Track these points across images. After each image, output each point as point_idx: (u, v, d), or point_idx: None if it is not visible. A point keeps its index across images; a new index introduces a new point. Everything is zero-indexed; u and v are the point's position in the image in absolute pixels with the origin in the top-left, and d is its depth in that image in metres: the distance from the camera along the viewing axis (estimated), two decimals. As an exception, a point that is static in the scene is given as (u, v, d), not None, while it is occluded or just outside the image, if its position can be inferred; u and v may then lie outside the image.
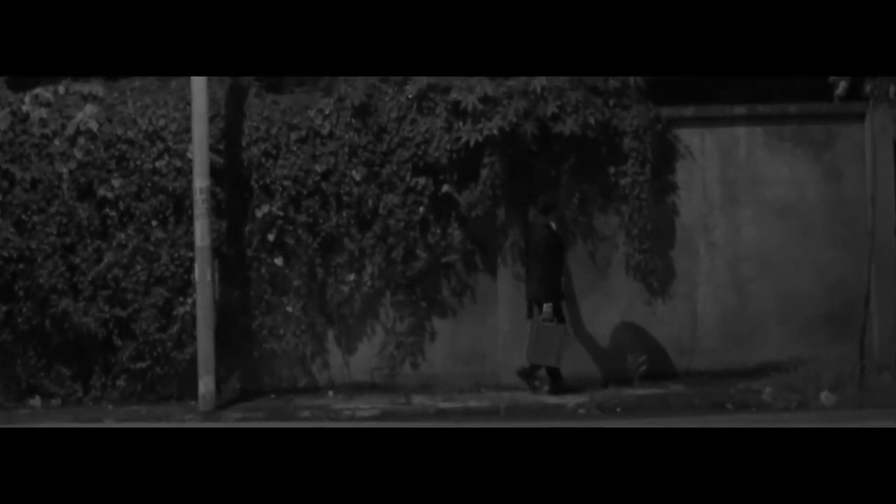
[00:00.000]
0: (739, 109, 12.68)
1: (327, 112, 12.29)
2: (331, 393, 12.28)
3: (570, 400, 11.61)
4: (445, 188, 12.25)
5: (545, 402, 11.63)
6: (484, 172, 12.21)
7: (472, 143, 12.12)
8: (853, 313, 12.31)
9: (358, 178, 12.24)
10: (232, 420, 11.26)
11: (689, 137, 12.66)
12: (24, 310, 11.96)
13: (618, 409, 11.37)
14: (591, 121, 12.23)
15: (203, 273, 11.44)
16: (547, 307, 11.59)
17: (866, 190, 12.53)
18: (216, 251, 12.04)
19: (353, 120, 12.26)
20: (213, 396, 11.43)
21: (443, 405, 11.59)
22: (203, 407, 11.42)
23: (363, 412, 11.40)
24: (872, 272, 12.38)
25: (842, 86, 11.23)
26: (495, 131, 12.06)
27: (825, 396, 11.09)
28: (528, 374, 11.97)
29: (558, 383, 11.85)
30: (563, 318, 11.81)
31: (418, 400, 11.83)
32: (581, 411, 11.36)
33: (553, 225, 11.88)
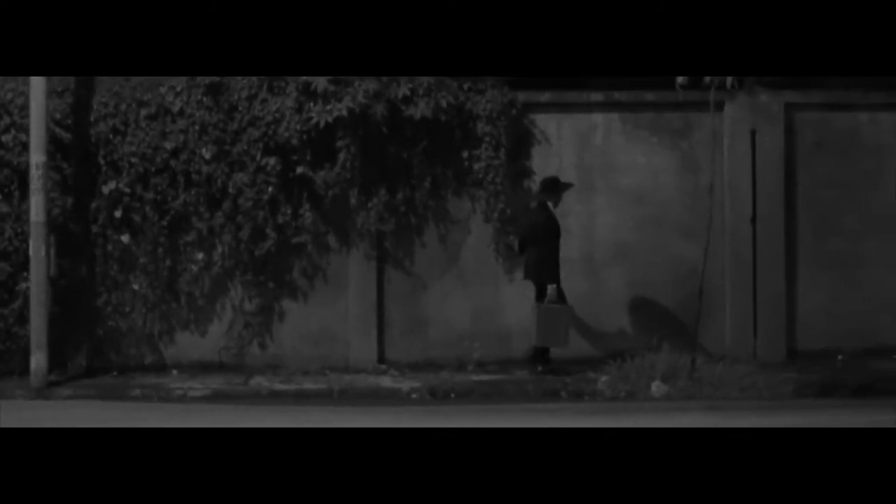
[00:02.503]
0: (596, 96, 12.61)
1: (179, 89, 12.20)
2: (175, 372, 12.22)
3: (406, 384, 11.55)
4: (300, 169, 12.16)
5: (380, 385, 11.57)
6: (341, 154, 12.13)
7: (322, 124, 12.03)
8: (704, 303, 12.30)
9: (208, 156, 12.16)
10: (61, 397, 11.19)
11: (545, 123, 12.60)
12: None
13: (451, 395, 11.30)
14: (444, 104, 12.16)
15: (37, 249, 11.36)
16: (551, 289, 11.49)
17: (724, 180, 12.51)
18: (62, 227, 11.97)
19: (204, 98, 12.17)
20: (44, 373, 11.36)
21: (278, 386, 11.54)
22: (35, 383, 11.35)
23: (195, 392, 11.35)
24: (727, 263, 12.42)
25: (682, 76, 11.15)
26: (344, 112, 11.97)
27: (656, 387, 11.06)
28: (538, 358, 11.84)
29: (549, 363, 11.78)
30: (565, 299, 11.63)
31: (256, 381, 11.76)
32: (414, 396, 11.30)
33: (551, 206, 11.74)
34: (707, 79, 11.03)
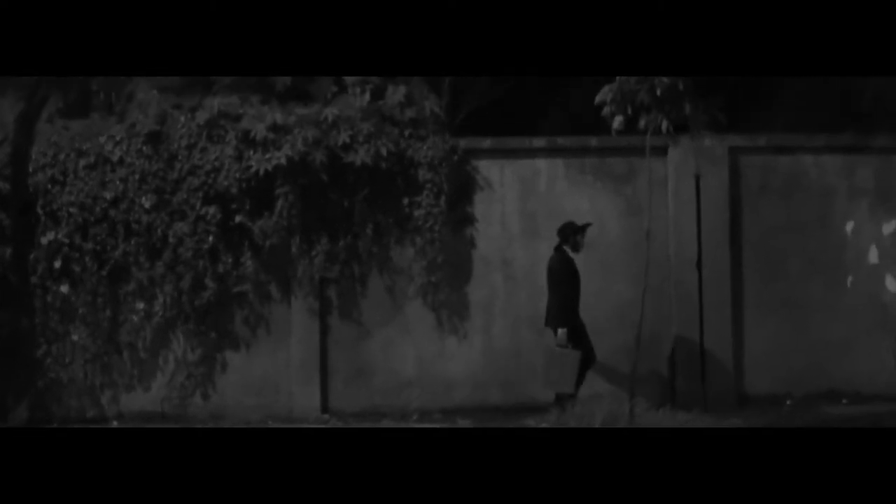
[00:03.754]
0: (539, 142, 12.57)
1: (118, 138, 12.17)
2: (115, 423, 12.09)
3: (344, 434, 11.42)
4: (239, 218, 12.11)
5: (318, 435, 11.43)
6: (279, 202, 12.07)
7: (261, 172, 11.99)
8: (651, 349, 12.24)
9: (147, 205, 12.11)
10: (-6, 450, 11.05)
11: (487, 169, 12.55)
12: None
13: (389, 444, 11.17)
14: (384, 151, 12.12)
15: (-28, 301, 11.30)
16: (561, 332, 11.31)
17: (668, 224, 12.45)
18: (1, 278, 11.90)
19: (144, 147, 12.14)
20: (-21, 425, 11.26)
21: (215, 438, 11.38)
22: (-31, 436, 11.22)
23: (130, 444, 11.19)
24: (673, 307, 12.32)
25: (618, 120, 11.09)
26: (283, 161, 11.92)
27: (594, 433, 10.91)
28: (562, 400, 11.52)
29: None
30: (581, 344, 11.46)
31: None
32: (352, 446, 11.16)
33: (568, 251, 11.64)
34: (642, 123, 10.96)
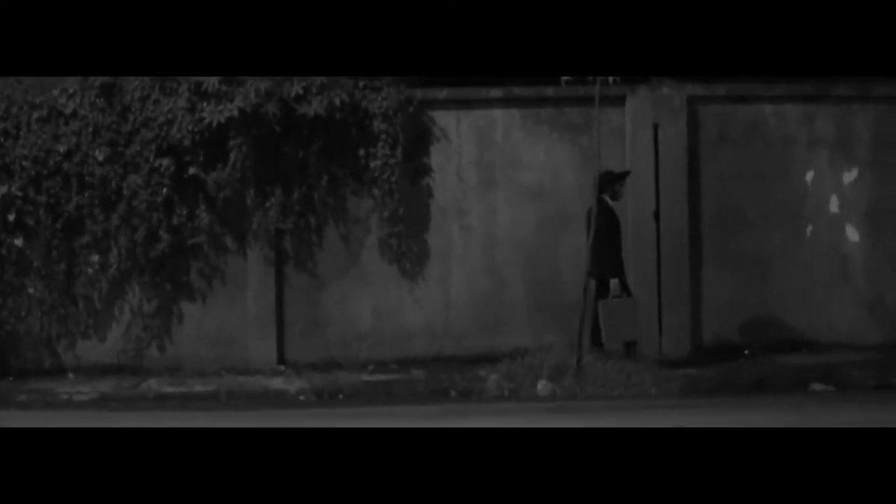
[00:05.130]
0: (495, 92, 12.47)
1: (71, 91, 12.12)
2: (71, 375, 12.15)
3: (295, 386, 11.47)
4: (192, 170, 12.08)
5: (269, 387, 11.49)
6: (233, 154, 12.03)
7: (214, 124, 11.94)
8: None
9: (101, 158, 12.09)
10: (-53, 402, 11.13)
11: (444, 120, 12.47)
12: None
13: (340, 396, 11.22)
14: (338, 102, 12.05)
15: (-78, 254, 11.32)
16: (614, 283, 11.29)
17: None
18: (-45, 231, 11.93)
19: (97, 99, 12.09)
20: (-73, 377, 11.32)
21: (166, 389, 11.48)
22: (-78, 387, 11.31)
23: (82, 396, 11.30)
24: (628, 258, 12.25)
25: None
26: (235, 113, 11.87)
27: (542, 386, 10.94)
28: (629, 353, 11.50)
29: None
30: (630, 291, 11.48)
31: (147, 384, 11.68)
32: (302, 398, 11.22)
33: (608, 200, 11.56)
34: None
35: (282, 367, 12.19)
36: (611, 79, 10.89)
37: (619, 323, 11.25)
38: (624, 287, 11.42)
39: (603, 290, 11.38)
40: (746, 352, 12.35)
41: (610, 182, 11.58)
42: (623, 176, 11.69)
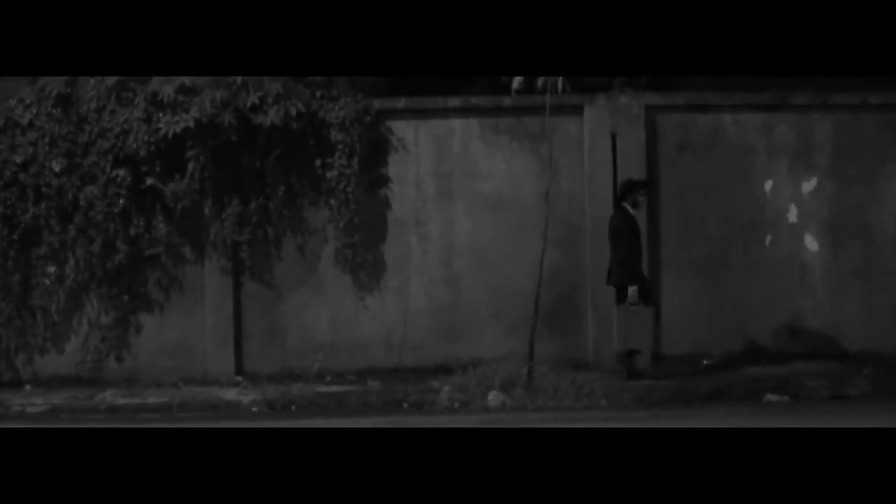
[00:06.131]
0: (453, 102, 12.46)
1: (28, 102, 12.12)
2: (28, 387, 12.14)
3: (249, 397, 11.44)
4: (150, 180, 12.07)
5: (222, 398, 11.45)
6: (190, 165, 12.02)
7: (170, 135, 11.93)
8: (567, 309, 12.22)
9: (58, 169, 12.09)
10: None
11: (402, 129, 12.46)
12: None
13: (292, 407, 11.19)
14: (294, 112, 12.03)
15: None
16: (632, 290, 11.30)
17: (584, 183, 12.35)
18: (-87, 244, 11.92)
19: (54, 110, 12.09)
20: None
21: (120, 401, 11.44)
22: None
23: (34, 408, 11.27)
24: (587, 267, 12.24)
25: (517, 80, 11.00)
26: (191, 123, 11.86)
27: (493, 396, 10.91)
28: (627, 360, 11.54)
29: (635, 368, 11.53)
30: (649, 300, 11.50)
31: (102, 395, 11.65)
32: (255, 409, 11.19)
33: (629, 208, 11.59)
34: (539, 82, 10.85)
35: (239, 378, 12.17)
36: (560, 85, 10.86)
37: (633, 330, 11.28)
38: (643, 295, 11.39)
39: (621, 297, 11.38)
40: (706, 362, 12.30)
41: (630, 190, 11.61)
42: (644, 184, 11.71)
